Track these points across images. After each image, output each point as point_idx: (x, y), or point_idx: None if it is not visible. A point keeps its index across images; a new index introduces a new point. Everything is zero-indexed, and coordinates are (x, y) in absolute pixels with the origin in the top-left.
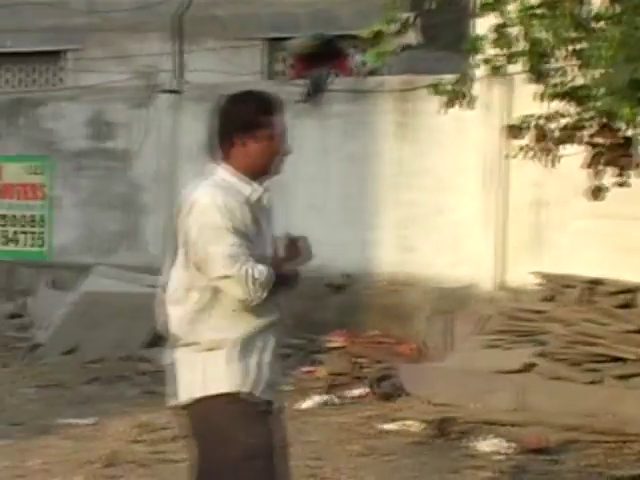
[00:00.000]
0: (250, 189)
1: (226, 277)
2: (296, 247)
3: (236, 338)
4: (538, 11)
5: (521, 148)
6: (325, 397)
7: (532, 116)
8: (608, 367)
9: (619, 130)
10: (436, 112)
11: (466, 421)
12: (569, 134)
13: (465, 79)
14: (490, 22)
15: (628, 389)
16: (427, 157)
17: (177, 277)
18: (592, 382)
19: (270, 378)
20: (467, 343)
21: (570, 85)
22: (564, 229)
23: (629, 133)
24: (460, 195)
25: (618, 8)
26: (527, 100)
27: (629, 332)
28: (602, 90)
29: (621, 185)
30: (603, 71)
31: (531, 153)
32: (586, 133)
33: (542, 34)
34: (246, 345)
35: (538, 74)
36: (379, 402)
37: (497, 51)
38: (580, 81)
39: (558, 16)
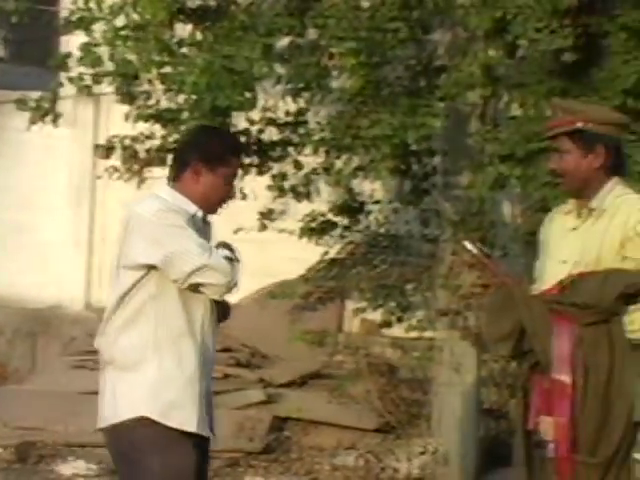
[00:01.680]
0: (194, 208)
1: (203, 267)
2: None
3: (155, 360)
4: (126, 33)
5: (114, 169)
6: None
7: (122, 136)
8: None
9: None
10: (24, 128)
11: (49, 444)
12: (157, 156)
13: (53, 96)
14: (81, 40)
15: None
16: (13, 174)
17: (111, 299)
18: None
19: (188, 404)
20: (53, 365)
21: (158, 108)
22: None
23: None
24: (48, 214)
25: (203, 35)
26: (118, 120)
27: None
28: (187, 114)
29: None
30: (188, 96)
31: (120, 173)
32: (171, 156)
33: (130, 56)
34: (161, 369)
35: (127, 95)
36: None
37: (86, 70)
38: (168, 104)
39: (145, 39)
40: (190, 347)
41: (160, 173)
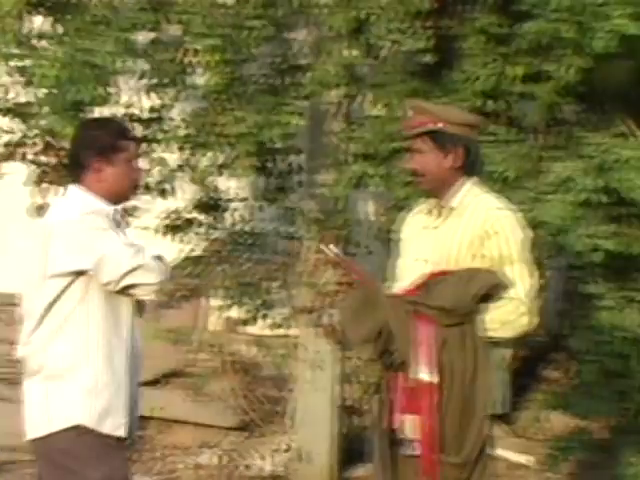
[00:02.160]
0: (109, 207)
1: (138, 267)
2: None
3: (87, 366)
4: None
5: None
6: None
7: None
8: None
9: (63, 149)
10: None
11: None
12: (11, 151)
13: None
14: None
15: None
16: None
17: (36, 307)
18: None
19: (119, 409)
20: None
21: (13, 102)
22: (4, 247)
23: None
24: None
25: (61, 28)
26: None
27: None
28: (46, 109)
29: None
30: (47, 90)
31: None
32: (30, 151)
33: None
34: (94, 375)
35: None
36: None
37: None
38: (24, 98)
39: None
40: (120, 350)
41: (13, 169)
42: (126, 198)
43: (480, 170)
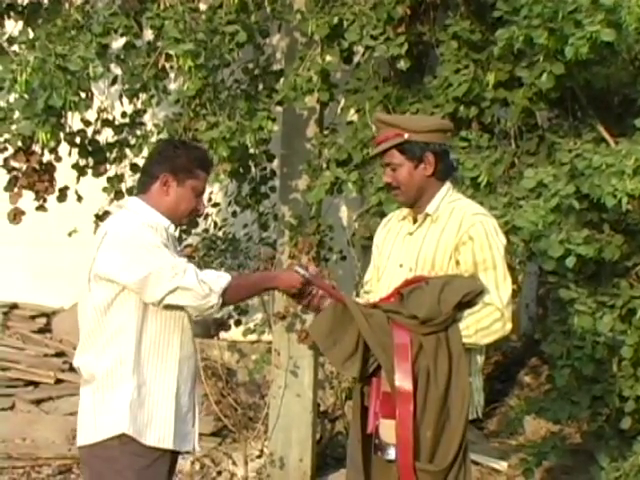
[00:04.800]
0: (166, 221)
1: (176, 289)
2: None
3: (135, 379)
4: None
5: None
6: None
7: None
8: (23, 391)
9: (35, 154)
10: None
11: None
12: None
13: None
14: None
15: (41, 413)
16: None
17: (88, 313)
18: (6, 408)
19: (165, 421)
20: None
21: None
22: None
23: (46, 158)
24: None
25: (32, 33)
26: None
27: (46, 356)
28: (17, 114)
29: (39, 209)
30: (20, 95)
31: None
32: (1, 156)
33: None
34: (138, 386)
35: None
36: None
37: None
38: None
39: None
40: (170, 362)
41: None
42: (180, 222)
43: (452, 174)
